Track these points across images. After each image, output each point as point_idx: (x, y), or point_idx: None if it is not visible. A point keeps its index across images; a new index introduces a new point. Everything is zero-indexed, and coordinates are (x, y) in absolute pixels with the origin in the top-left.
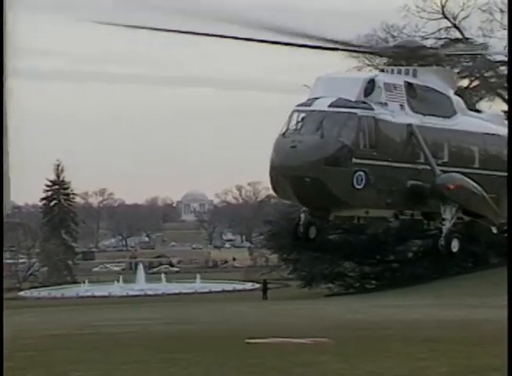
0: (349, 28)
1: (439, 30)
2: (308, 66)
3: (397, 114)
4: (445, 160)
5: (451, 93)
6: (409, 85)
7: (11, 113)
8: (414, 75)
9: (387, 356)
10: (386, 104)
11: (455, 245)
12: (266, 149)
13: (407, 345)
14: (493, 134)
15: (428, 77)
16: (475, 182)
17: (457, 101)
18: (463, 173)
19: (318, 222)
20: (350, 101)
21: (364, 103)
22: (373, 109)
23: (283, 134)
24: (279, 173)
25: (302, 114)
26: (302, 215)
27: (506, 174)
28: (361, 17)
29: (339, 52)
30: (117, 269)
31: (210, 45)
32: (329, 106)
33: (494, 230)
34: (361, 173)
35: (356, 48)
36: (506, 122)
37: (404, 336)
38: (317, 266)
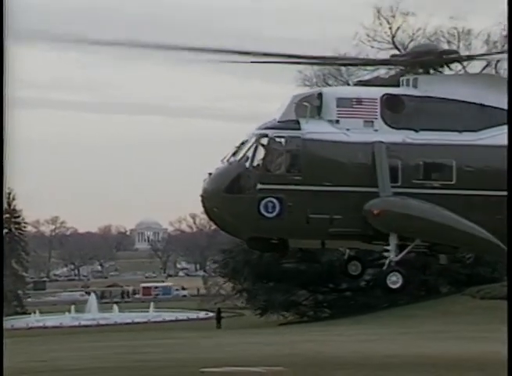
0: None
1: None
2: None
3: (355, 132)
4: (452, 181)
5: (495, 102)
6: (390, 98)
7: None
8: (415, 86)
9: None
10: (337, 121)
11: (395, 281)
12: None
13: (360, 372)
14: None
15: (439, 86)
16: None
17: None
18: (483, 196)
19: (360, 256)
20: (273, 122)
21: (295, 122)
22: (299, 129)
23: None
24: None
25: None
26: (347, 251)
27: None
28: (313, 45)
29: (293, 80)
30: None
31: (145, 71)
32: (257, 128)
33: (442, 260)
34: (272, 200)
35: (360, 62)
36: None
37: (356, 364)
38: (271, 295)
